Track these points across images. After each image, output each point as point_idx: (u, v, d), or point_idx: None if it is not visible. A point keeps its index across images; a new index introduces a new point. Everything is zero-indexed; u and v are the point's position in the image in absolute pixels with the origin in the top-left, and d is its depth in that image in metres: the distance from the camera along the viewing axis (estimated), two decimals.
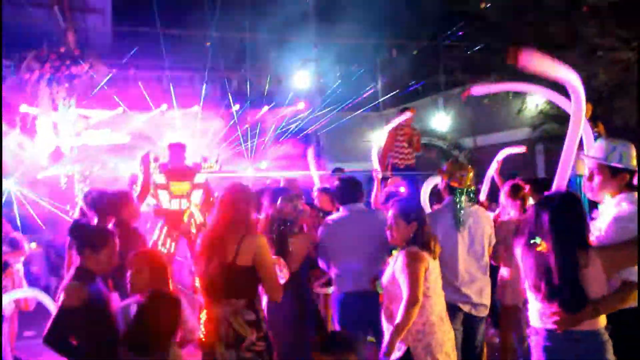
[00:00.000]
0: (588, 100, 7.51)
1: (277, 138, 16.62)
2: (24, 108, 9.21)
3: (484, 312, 4.39)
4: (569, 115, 7.47)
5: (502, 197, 5.42)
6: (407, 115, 9.13)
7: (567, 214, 2.89)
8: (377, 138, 8.01)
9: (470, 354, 4.34)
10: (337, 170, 8.29)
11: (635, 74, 9.37)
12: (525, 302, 5.09)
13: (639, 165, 3.36)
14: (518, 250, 3.07)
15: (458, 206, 4.27)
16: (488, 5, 11.21)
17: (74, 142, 9.62)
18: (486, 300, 4.35)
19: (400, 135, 9.49)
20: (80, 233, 3.86)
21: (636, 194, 3.31)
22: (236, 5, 15.52)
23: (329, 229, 4.55)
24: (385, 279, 3.61)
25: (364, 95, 18.45)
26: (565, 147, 3.50)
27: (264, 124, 16.81)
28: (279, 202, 4.46)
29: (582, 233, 2.91)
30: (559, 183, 3.36)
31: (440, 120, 17.76)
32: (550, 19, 10.31)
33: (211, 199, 7.15)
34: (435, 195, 4.84)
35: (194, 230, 6.65)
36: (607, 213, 3.27)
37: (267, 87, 16.25)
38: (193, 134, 14.09)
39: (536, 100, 13.05)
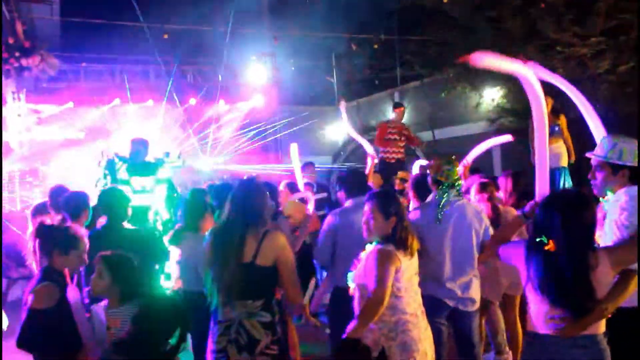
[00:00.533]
0: (547, 94, 7.68)
1: (234, 133, 16.41)
2: None
3: (472, 307, 4.30)
4: (527, 110, 7.62)
5: (472, 194, 5.43)
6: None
7: (580, 214, 2.78)
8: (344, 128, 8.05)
9: (466, 350, 4.31)
10: (309, 164, 8.22)
11: (589, 70, 9.62)
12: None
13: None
14: (513, 250, 3.00)
15: (442, 200, 4.23)
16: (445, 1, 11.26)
17: (23, 137, 9.20)
18: (474, 294, 4.30)
19: (392, 129, 9.63)
20: (50, 234, 3.73)
21: (635, 187, 3.32)
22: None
23: (335, 222, 4.40)
24: (356, 273, 3.49)
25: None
26: (537, 143, 3.48)
27: (221, 118, 16.57)
28: None
29: (593, 233, 2.87)
30: (541, 181, 3.32)
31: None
32: (508, 14, 10.45)
33: (174, 195, 6.96)
34: (421, 189, 4.75)
35: (160, 227, 6.42)
36: (611, 210, 3.34)
37: (222, 81, 15.97)
38: (149, 129, 13.76)
39: (493, 94, 13.24)
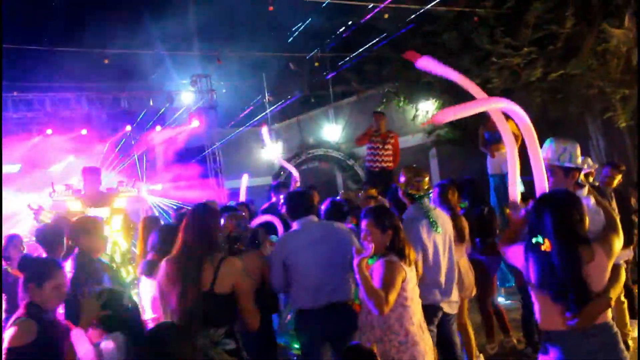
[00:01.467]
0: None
1: (171, 158, 16.12)
2: None
3: (456, 309, 4.49)
4: (464, 121, 7.88)
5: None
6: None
7: (569, 211, 2.91)
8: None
9: (449, 350, 4.41)
10: (280, 185, 7.82)
11: (522, 79, 10.10)
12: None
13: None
14: (513, 250, 3.10)
15: (428, 210, 4.33)
16: (381, 17, 11.54)
17: None
18: (457, 297, 4.45)
19: (374, 137, 9.57)
20: (25, 267, 3.51)
21: (585, 189, 3.54)
22: (124, 23, 14.93)
23: (283, 246, 4.27)
24: (361, 289, 3.42)
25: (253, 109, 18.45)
26: (508, 150, 3.60)
27: (157, 144, 16.23)
28: (222, 220, 4.26)
29: (583, 229, 2.96)
30: (512, 186, 3.44)
31: (332, 131, 18.07)
32: (442, 28, 10.84)
33: (131, 225, 6.76)
34: (395, 204, 4.82)
35: (118, 259, 6.19)
36: None
37: (156, 106, 15.67)
38: (87, 159, 13.29)
39: (427, 106, 13.63)
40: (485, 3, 10.04)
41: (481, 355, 5.58)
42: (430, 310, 4.05)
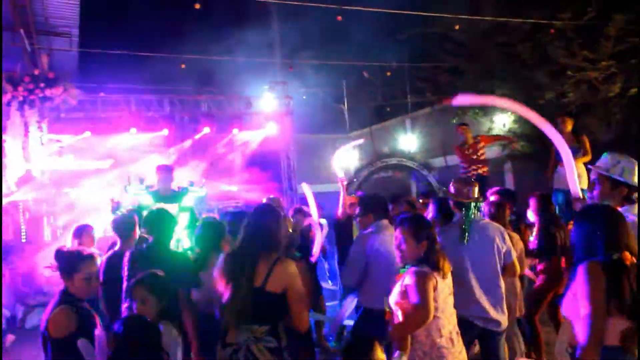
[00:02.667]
0: (567, 115, 7.76)
1: (247, 161, 16.56)
2: None
3: (499, 327, 4.28)
4: (538, 135, 7.68)
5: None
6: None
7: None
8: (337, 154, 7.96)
9: None
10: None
11: (600, 93, 9.70)
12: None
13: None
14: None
15: (467, 219, 4.30)
16: (453, 28, 11.44)
17: (45, 165, 9.38)
18: (501, 314, 4.27)
19: (466, 150, 9.56)
20: (57, 259, 3.72)
21: (636, 206, 3.43)
22: (206, 29, 15.53)
23: (365, 243, 4.46)
24: (392, 298, 3.47)
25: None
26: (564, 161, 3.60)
27: (234, 146, 16.76)
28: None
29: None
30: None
31: (408, 141, 18.01)
32: (516, 40, 10.60)
33: (197, 222, 7.04)
34: (443, 215, 4.80)
35: None
36: None
37: (235, 110, 16.19)
38: (166, 157, 13.95)
39: (504, 119, 13.35)
40: (562, 16, 9.69)
41: None
42: (460, 323, 3.98)
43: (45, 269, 8.12)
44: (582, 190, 7.91)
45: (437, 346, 3.37)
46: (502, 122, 13.47)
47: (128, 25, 14.68)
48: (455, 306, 3.77)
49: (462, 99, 3.47)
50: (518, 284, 5.27)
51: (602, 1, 9.47)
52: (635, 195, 3.62)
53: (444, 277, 3.46)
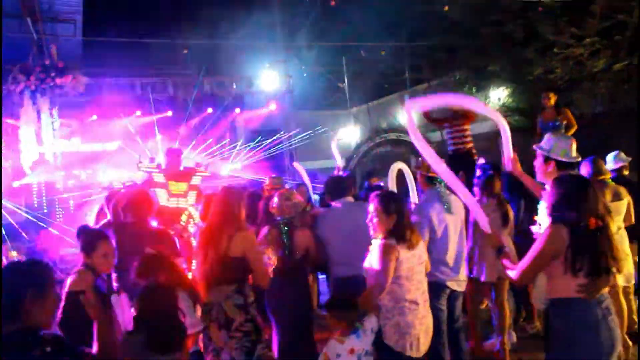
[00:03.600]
0: (550, 89, 8.11)
1: (249, 139, 16.97)
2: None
3: (463, 287, 4.82)
4: (531, 109, 8.07)
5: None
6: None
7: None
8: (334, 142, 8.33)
9: (451, 327, 4.75)
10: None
11: (587, 69, 10.06)
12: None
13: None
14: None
15: (443, 194, 4.70)
16: (449, 4, 11.76)
17: (57, 149, 9.87)
18: (464, 276, 4.80)
19: (454, 121, 9.47)
20: (78, 237, 4.14)
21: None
22: (207, 11, 15.82)
23: (324, 221, 4.93)
24: (366, 264, 3.92)
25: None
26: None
27: (237, 126, 17.19)
28: (276, 200, 4.84)
29: None
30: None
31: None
32: (508, 18, 10.92)
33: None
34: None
35: (192, 229, 6.96)
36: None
37: (237, 89, 16.57)
38: (170, 139, 14.39)
39: (499, 94, 13.69)
40: None
41: (514, 332, 5.91)
42: (437, 287, 4.46)
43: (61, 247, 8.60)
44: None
45: (400, 305, 3.79)
46: (497, 96, 13.81)
47: (129, 9, 14.97)
48: (436, 271, 4.27)
49: (412, 104, 3.79)
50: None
51: None
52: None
53: (410, 247, 3.82)
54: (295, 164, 7.93)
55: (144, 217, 4.83)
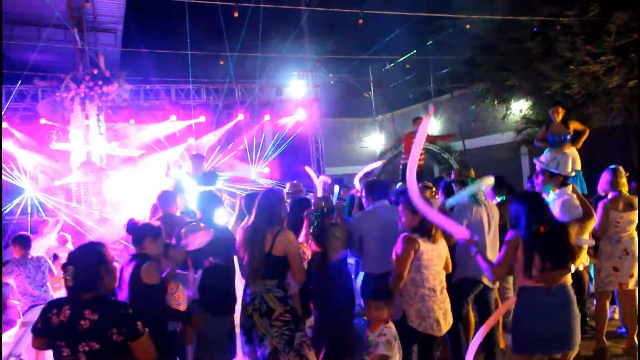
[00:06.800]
0: (564, 106, 8.59)
1: (278, 145, 17.65)
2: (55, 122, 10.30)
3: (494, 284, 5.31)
4: (550, 121, 8.52)
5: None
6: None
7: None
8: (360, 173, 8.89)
9: (484, 319, 5.13)
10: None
11: (602, 84, 10.51)
12: None
13: None
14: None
15: (474, 191, 5.14)
16: (469, 23, 12.24)
17: (103, 152, 10.65)
18: None
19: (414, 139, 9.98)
20: (130, 229, 4.50)
21: (567, 188, 4.61)
22: (241, 23, 16.53)
23: (362, 221, 5.38)
24: (393, 255, 4.41)
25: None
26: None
27: (266, 131, 17.90)
28: (314, 201, 5.50)
29: None
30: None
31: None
32: (527, 35, 11.41)
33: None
34: (448, 191, 5.83)
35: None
36: (552, 202, 4.57)
37: (266, 96, 17.28)
38: (203, 143, 15.21)
39: (520, 105, 14.15)
40: (568, 12, 10.48)
41: None
42: (470, 283, 5.02)
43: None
44: (577, 171, 8.72)
45: (420, 293, 4.33)
46: (517, 108, 14.25)
47: (167, 19, 15.73)
48: (469, 267, 4.85)
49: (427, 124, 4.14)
50: None
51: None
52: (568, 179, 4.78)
53: (434, 242, 4.37)
54: (307, 168, 8.55)
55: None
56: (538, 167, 4.62)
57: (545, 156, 4.64)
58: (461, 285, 5.06)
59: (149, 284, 4.12)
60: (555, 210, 4.55)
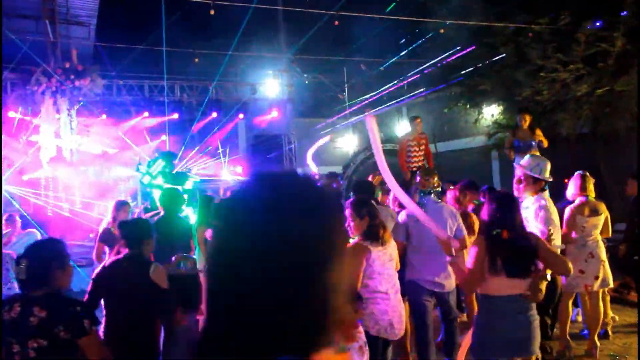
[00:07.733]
0: (533, 112, 8.77)
1: (251, 143, 17.65)
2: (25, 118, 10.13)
3: (443, 289, 5.18)
4: (517, 126, 8.71)
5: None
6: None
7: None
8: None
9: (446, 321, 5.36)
10: (332, 174, 8.86)
11: (571, 92, 10.75)
12: None
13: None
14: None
15: (423, 204, 5.28)
16: (444, 27, 12.39)
17: (74, 146, 10.50)
18: (445, 279, 5.16)
19: (410, 141, 9.82)
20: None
21: (544, 193, 4.64)
22: (217, 21, 16.45)
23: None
24: None
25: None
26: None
27: (239, 130, 17.87)
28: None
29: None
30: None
31: (403, 128, 19.02)
32: (501, 41, 11.60)
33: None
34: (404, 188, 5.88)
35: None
36: (531, 207, 4.64)
37: (240, 95, 17.23)
38: (173, 139, 15.07)
39: (491, 110, 14.35)
40: (540, 20, 10.68)
41: None
42: (415, 285, 5.10)
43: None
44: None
45: (373, 296, 4.29)
46: (489, 113, 14.46)
47: (142, 15, 15.59)
48: (412, 271, 4.88)
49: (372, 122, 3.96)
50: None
51: (576, 7, 10.43)
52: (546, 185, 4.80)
53: (383, 244, 4.34)
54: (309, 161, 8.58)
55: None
56: (520, 171, 4.67)
57: (527, 161, 4.69)
58: (416, 285, 5.11)
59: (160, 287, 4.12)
60: (531, 216, 4.59)
